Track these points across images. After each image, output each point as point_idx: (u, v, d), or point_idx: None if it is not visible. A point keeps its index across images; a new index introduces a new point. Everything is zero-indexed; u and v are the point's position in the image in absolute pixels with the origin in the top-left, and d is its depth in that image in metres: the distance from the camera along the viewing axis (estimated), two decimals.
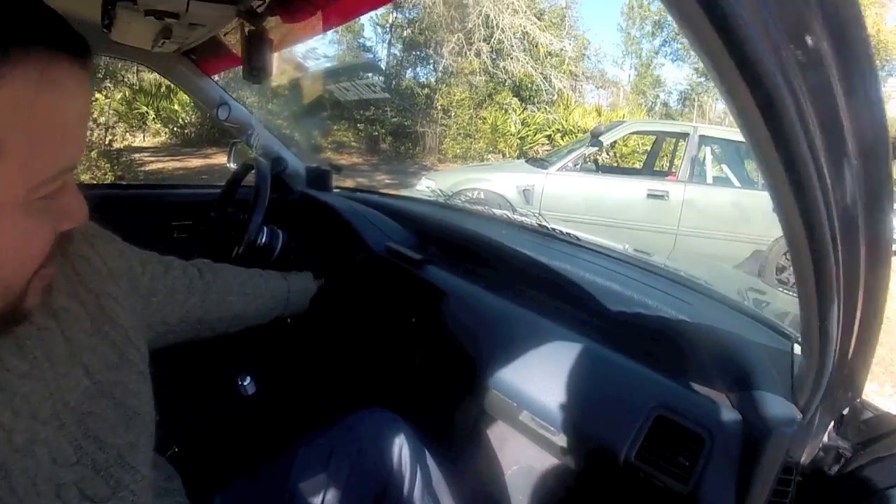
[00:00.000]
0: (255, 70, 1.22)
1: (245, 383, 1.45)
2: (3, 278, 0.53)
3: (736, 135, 7.00)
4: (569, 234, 1.69)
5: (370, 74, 9.77)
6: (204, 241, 1.83)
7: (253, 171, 1.75)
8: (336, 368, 1.70)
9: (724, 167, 6.13)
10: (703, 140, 5.90)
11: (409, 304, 1.50)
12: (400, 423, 1.11)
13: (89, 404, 0.66)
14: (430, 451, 1.14)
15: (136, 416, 0.70)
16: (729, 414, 0.95)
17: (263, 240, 1.66)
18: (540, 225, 1.77)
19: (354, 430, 1.08)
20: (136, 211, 2.20)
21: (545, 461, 1.44)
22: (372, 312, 1.64)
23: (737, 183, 5.96)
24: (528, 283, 1.48)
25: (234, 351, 1.58)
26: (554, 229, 1.72)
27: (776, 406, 0.89)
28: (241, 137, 2.25)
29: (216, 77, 2.20)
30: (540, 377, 1.14)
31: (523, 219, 1.90)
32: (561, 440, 1.10)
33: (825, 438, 0.91)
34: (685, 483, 0.90)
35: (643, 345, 1.19)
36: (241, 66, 1.86)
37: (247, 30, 1.20)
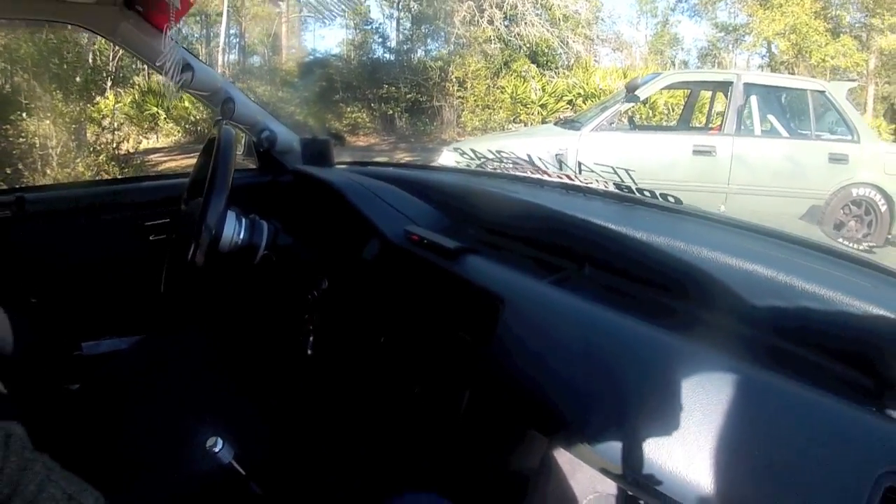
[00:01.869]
0: None
1: (216, 449, 1.00)
2: None
3: (783, 81, 6.54)
4: (663, 195, 1.19)
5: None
6: (172, 244, 1.43)
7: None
8: (356, 409, 1.26)
9: (771, 117, 5.68)
10: (748, 88, 5.48)
11: (446, 317, 1.02)
12: None
13: None
14: None
15: None
16: None
17: (240, 236, 1.22)
18: (619, 186, 1.26)
19: None
20: (102, 209, 1.83)
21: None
22: (392, 332, 1.17)
23: (785, 133, 5.57)
24: (620, 271, 1.00)
25: (199, 405, 1.15)
26: (640, 190, 1.21)
27: None
28: (212, 107, 1.81)
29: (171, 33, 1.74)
30: (674, 437, 0.69)
31: (589, 181, 1.39)
32: None
33: None
34: None
35: (833, 365, 0.76)
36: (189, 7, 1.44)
37: None
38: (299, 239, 1.34)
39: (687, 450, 0.66)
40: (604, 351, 0.80)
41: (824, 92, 5.47)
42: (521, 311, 0.91)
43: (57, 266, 1.80)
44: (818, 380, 0.69)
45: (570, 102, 12.51)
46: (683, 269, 0.89)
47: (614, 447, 0.73)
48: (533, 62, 13.27)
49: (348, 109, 13.10)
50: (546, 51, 13.54)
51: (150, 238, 1.83)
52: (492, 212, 1.31)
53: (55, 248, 1.75)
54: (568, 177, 1.38)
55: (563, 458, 1.06)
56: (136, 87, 11.65)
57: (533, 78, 12.77)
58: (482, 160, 1.85)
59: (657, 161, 5.20)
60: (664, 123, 10.26)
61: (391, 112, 13.08)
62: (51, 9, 1.51)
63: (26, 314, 1.51)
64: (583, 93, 12.53)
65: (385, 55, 14.44)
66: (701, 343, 0.75)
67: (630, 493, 0.76)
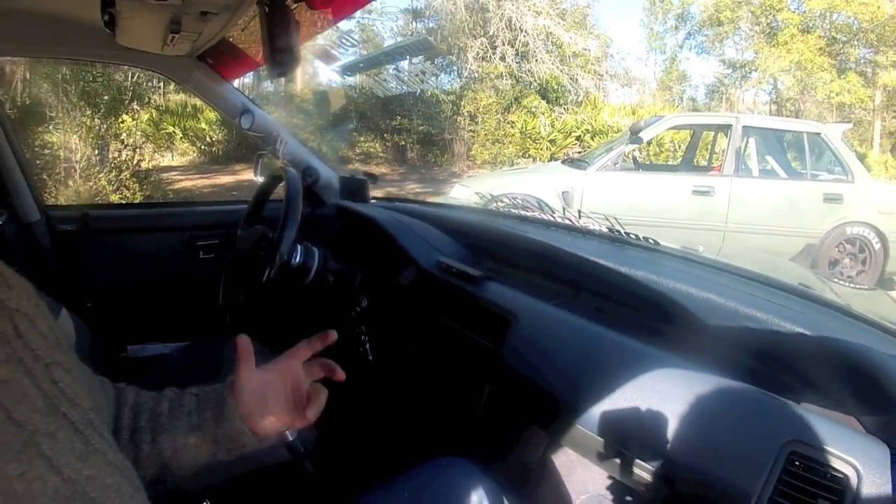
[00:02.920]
0: (281, 54, 0.96)
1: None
2: None
3: (780, 123, 6.82)
4: (645, 238, 1.46)
5: (421, 58, 9.50)
6: (231, 263, 1.67)
7: (282, 184, 1.56)
8: (393, 404, 1.50)
9: (770, 158, 5.96)
10: (746, 130, 5.75)
11: (470, 329, 1.28)
12: (478, 474, 1.00)
13: None
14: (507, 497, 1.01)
15: None
16: (872, 443, 0.80)
17: (297, 259, 1.48)
18: (610, 229, 1.54)
19: (430, 484, 0.99)
20: (158, 231, 2.11)
21: (617, 489, 1.23)
22: (429, 340, 1.43)
23: (783, 174, 5.83)
24: (608, 297, 1.27)
25: None
26: (628, 233, 1.49)
27: None
28: (268, 148, 2.08)
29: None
30: (641, 412, 0.95)
31: (588, 222, 1.66)
32: (666, 487, 0.92)
33: None
34: None
35: (754, 364, 1.01)
36: (257, 67, 1.70)
37: (266, 9, 0.98)
38: (344, 264, 1.60)
39: (651, 421, 0.92)
40: (592, 355, 1.07)
41: (820, 134, 5.71)
42: (530, 324, 1.18)
43: (112, 276, 2.06)
44: (750, 378, 0.93)
45: (578, 138, 12.74)
46: (653, 296, 1.16)
47: (598, 425, 0.98)
48: (543, 98, 13.53)
49: (361, 139, 13.44)
50: (556, 87, 13.80)
51: (200, 255, 2.09)
52: (504, 247, 1.58)
53: (112, 260, 2.01)
54: (569, 219, 1.65)
55: (560, 460, 1.31)
56: (154, 106, 12.01)
57: (542, 114, 13.03)
58: (490, 200, 2.13)
59: (659, 200, 5.45)
60: (669, 162, 10.52)
61: (403, 143, 13.38)
62: (133, 56, 1.73)
63: (81, 317, 1.69)
64: (591, 129, 12.77)
65: (399, 86, 14.87)
66: (661, 349, 1.02)
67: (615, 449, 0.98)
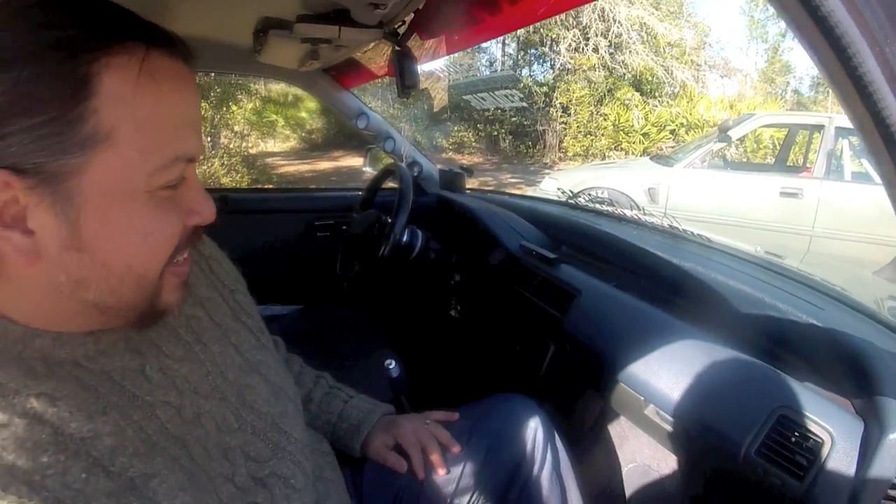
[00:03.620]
0: (408, 87, 1.34)
1: (391, 366, 1.58)
2: (134, 267, 0.57)
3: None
4: (699, 234, 1.70)
5: (509, 87, 9.97)
6: (347, 240, 2.00)
7: (391, 176, 1.89)
8: (475, 358, 1.79)
9: (864, 162, 5.55)
10: (840, 132, 5.41)
11: (543, 300, 1.57)
12: (535, 408, 1.16)
13: (244, 378, 0.75)
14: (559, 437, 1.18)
15: (280, 390, 0.80)
16: (851, 419, 0.95)
17: (405, 239, 1.79)
18: (670, 226, 1.79)
19: (494, 412, 1.15)
20: (282, 212, 2.44)
21: (661, 461, 1.48)
22: (509, 309, 1.72)
23: (877, 179, 5.39)
24: (659, 282, 1.51)
25: (381, 339, 1.73)
26: (684, 230, 1.73)
27: None
28: (378, 144, 2.42)
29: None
30: (667, 373, 1.18)
31: (653, 219, 1.91)
32: (684, 435, 1.14)
33: None
34: (801, 481, 0.91)
35: (771, 346, 1.20)
36: (373, 79, 2.03)
37: (395, 50, 1.33)
38: (442, 245, 1.92)
39: (674, 380, 1.15)
40: (637, 327, 1.31)
41: None
42: (591, 299, 1.45)
43: (244, 249, 2.43)
44: (764, 356, 1.13)
45: (672, 132, 12.38)
46: (694, 284, 1.40)
47: (637, 383, 1.21)
48: (637, 90, 13.16)
49: (455, 129, 13.50)
50: (650, 79, 13.34)
51: (317, 235, 2.44)
52: (578, 236, 1.86)
53: (246, 235, 2.34)
54: (637, 215, 1.90)
55: (615, 429, 1.56)
56: (257, 95, 12.38)
57: (636, 106, 12.70)
58: (574, 196, 2.38)
59: (744, 201, 5.36)
60: (768, 160, 10.12)
61: (496, 133, 13.40)
62: (269, 70, 2.05)
63: None
64: (686, 123, 12.37)
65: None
66: (693, 326, 1.26)
67: (641, 397, 1.21)
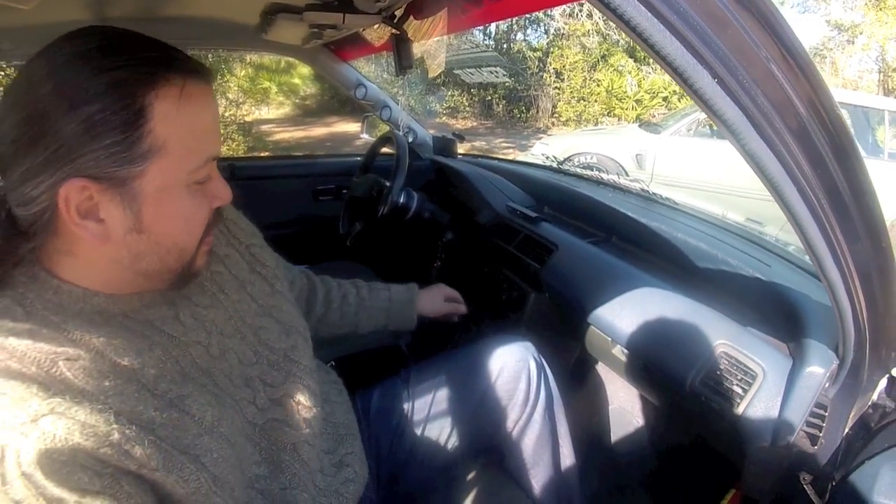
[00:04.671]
0: (404, 67, 1.52)
1: None
2: (179, 243, 0.73)
3: (863, 100, 6.34)
4: (667, 198, 1.87)
5: (493, 65, 10.13)
6: (348, 202, 2.16)
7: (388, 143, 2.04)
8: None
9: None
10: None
11: (524, 254, 1.74)
12: (531, 349, 1.28)
13: (259, 320, 0.91)
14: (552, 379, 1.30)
15: (291, 328, 0.96)
16: (782, 358, 1.10)
17: (402, 200, 1.95)
18: (642, 189, 1.96)
19: (494, 352, 1.26)
20: (286, 178, 2.58)
21: (634, 401, 1.69)
22: (495, 262, 1.90)
23: (862, 152, 5.47)
24: (628, 239, 1.69)
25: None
26: (654, 193, 1.90)
27: (819, 353, 1.02)
28: (375, 112, 2.57)
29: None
30: (630, 317, 1.34)
31: (629, 183, 2.08)
32: (643, 369, 1.31)
33: (874, 397, 1.03)
34: (736, 407, 1.07)
35: (720, 295, 1.34)
36: (371, 53, 2.13)
37: (392, 34, 1.48)
38: (435, 205, 2.08)
39: (635, 322, 1.33)
40: (605, 277, 1.48)
41: None
42: (566, 252, 1.63)
43: (252, 214, 2.56)
44: (714, 303, 1.29)
45: (665, 99, 12.41)
46: (659, 241, 1.57)
47: (604, 325, 1.39)
48: (630, 57, 13.02)
49: (449, 93, 13.41)
50: None
51: (319, 199, 2.59)
52: (559, 197, 2.03)
53: (252, 202, 2.49)
54: (613, 179, 2.08)
55: (594, 376, 1.76)
56: (249, 63, 12.22)
57: (629, 73, 12.62)
58: (560, 162, 2.53)
59: (729, 169, 5.32)
60: None
61: (489, 98, 13.36)
62: (273, 46, 2.19)
63: None
64: (678, 91, 11.92)
65: (485, 41, 14.45)
66: (654, 276, 1.42)
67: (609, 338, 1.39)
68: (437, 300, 1.47)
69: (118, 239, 0.68)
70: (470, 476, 1.25)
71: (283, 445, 0.88)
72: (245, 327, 0.89)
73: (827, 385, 0.99)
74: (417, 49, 1.51)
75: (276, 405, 0.89)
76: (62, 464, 0.57)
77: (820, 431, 0.99)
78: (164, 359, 0.73)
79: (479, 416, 1.23)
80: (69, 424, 0.58)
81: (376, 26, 1.58)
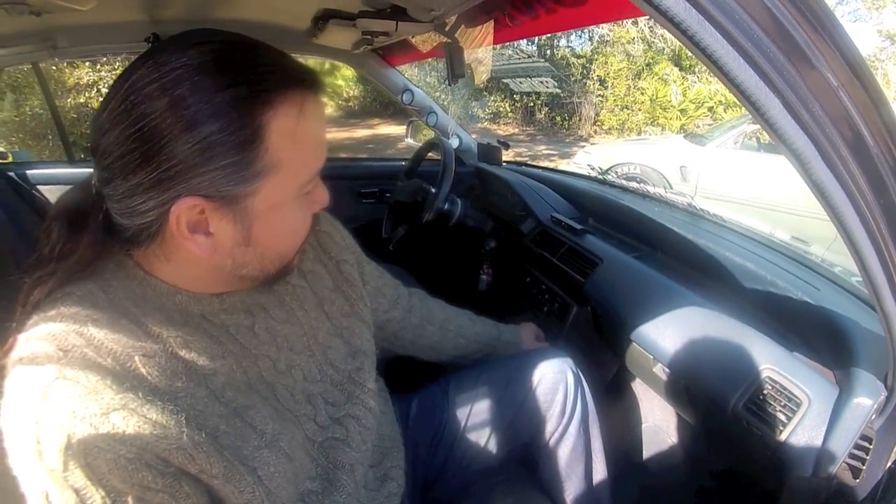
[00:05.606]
0: (457, 75, 1.53)
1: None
2: (282, 252, 0.74)
3: None
4: (715, 214, 1.84)
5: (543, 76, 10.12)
6: (393, 206, 2.17)
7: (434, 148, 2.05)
8: (505, 318, 1.97)
9: None
10: None
11: (568, 266, 1.73)
12: (570, 363, 1.26)
13: (329, 340, 0.90)
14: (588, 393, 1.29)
15: (358, 350, 0.95)
16: (829, 386, 1.07)
17: (446, 207, 1.95)
18: (689, 205, 1.93)
19: (533, 363, 1.25)
20: (330, 179, 2.61)
21: (670, 420, 1.65)
22: (536, 272, 1.90)
23: None
24: (674, 255, 1.67)
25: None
26: (702, 209, 1.87)
27: (867, 383, 0.99)
28: (421, 118, 2.59)
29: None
30: (673, 336, 1.32)
31: (675, 197, 2.05)
32: (684, 390, 1.29)
33: None
34: (778, 434, 1.05)
35: (767, 318, 1.32)
36: (419, 59, 2.16)
37: (445, 42, 1.49)
38: (479, 213, 2.08)
39: (679, 341, 1.31)
40: (649, 293, 1.47)
41: None
42: (611, 267, 1.62)
43: None
44: (761, 327, 1.26)
45: (710, 109, 12.06)
46: (705, 258, 1.54)
47: (646, 341, 1.37)
48: (676, 65, 12.76)
49: (491, 98, 13.36)
50: (690, 54, 12.79)
51: (363, 201, 2.62)
52: (605, 210, 2.01)
53: None
54: (659, 193, 2.06)
55: (630, 391, 1.74)
56: None
57: (674, 82, 12.35)
58: (604, 172, 2.52)
59: (776, 184, 5.19)
60: None
61: (532, 104, 13.24)
62: (322, 50, 2.23)
63: None
64: (724, 101, 11.87)
65: (528, 46, 14.26)
66: (699, 295, 1.40)
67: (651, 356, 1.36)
68: (531, 341, 1.49)
69: (225, 251, 0.68)
70: (502, 486, 1.24)
71: (342, 464, 0.88)
72: (315, 345, 0.89)
73: (874, 417, 0.96)
74: (465, 56, 1.52)
75: (337, 424, 0.89)
76: (128, 460, 0.58)
77: (863, 464, 0.95)
78: (234, 367, 0.74)
79: (516, 426, 1.23)
80: (140, 422, 0.59)
81: (427, 34, 1.60)
